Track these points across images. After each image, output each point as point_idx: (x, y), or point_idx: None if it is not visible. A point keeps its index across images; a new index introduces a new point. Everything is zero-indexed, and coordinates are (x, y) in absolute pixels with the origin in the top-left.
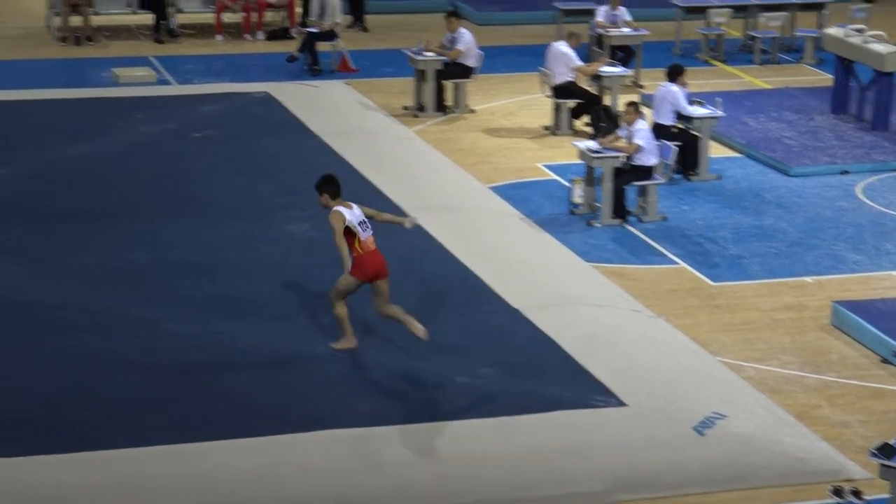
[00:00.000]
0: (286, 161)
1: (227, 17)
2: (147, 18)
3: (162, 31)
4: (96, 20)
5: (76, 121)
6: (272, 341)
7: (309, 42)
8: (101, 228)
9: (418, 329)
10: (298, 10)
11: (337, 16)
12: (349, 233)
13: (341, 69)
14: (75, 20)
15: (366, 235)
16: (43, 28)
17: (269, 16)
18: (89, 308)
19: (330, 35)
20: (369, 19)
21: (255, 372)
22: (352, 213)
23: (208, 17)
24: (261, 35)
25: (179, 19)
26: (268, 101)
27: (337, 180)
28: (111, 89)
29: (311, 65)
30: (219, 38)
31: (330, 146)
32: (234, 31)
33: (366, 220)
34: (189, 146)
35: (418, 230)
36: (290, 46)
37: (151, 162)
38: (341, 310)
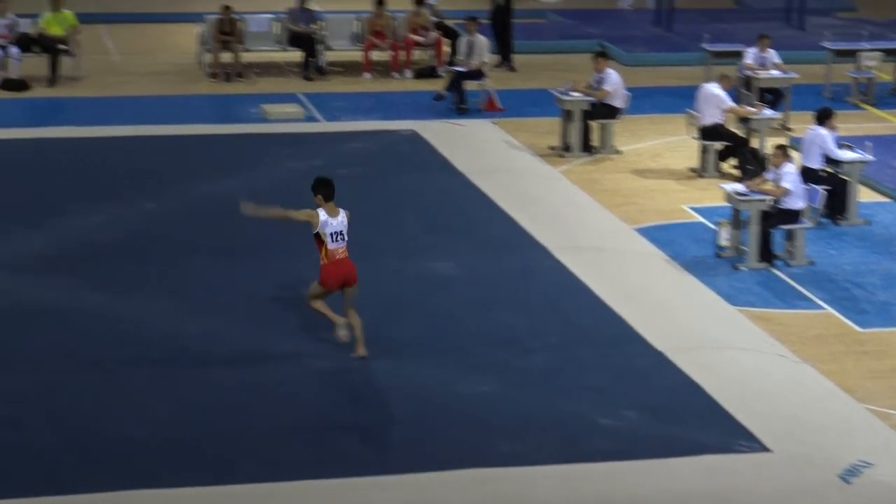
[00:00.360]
0: (432, 199)
1: (376, 56)
2: (296, 56)
3: (311, 69)
4: (246, 57)
5: (225, 156)
6: (413, 379)
7: (456, 81)
8: (247, 263)
9: (359, 351)
10: (446, 48)
11: (485, 55)
12: (318, 239)
13: (488, 108)
14: (226, 56)
15: (334, 245)
16: (194, 64)
17: (417, 54)
18: (234, 342)
19: (477, 74)
20: (517, 59)
21: (394, 409)
22: (331, 221)
23: (356, 55)
24: (408, 73)
25: (328, 57)
26: (414, 139)
27: (331, 183)
28: (260, 125)
29: (458, 103)
30: (367, 75)
31: (475, 185)
32: (382, 70)
33: (344, 232)
34: (336, 183)
35: (562, 269)
36: (438, 85)
37: (298, 198)
38: (317, 304)
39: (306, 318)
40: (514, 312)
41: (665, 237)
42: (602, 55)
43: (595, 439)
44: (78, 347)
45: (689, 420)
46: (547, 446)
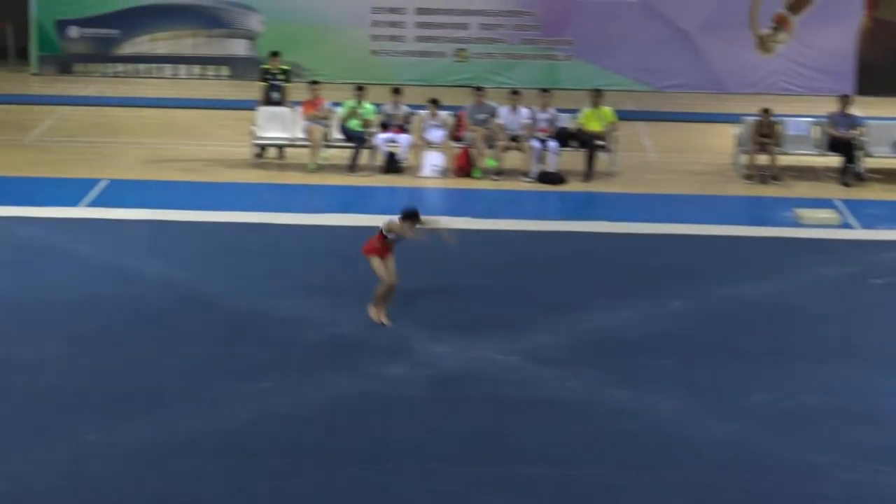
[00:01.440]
0: None
1: None
2: (833, 161)
3: (849, 175)
4: (783, 160)
5: (756, 258)
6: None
7: None
8: (770, 367)
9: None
10: None
11: None
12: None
13: None
14: (762, 159)
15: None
16: (729, 165)
17: None
18: (754, 448)
19: None
20: None
21: None
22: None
23: None
24: None
25: (867, 163)
26: None
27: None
28: (793, 229)
29: None
30: None
31: None
32: None
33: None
34: (868, 292)
35: None
36: None
37: (826, 304)
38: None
39: (827, 428)
40: None
41: None
42: None
43: None
44: (592, 443)
45: None
46: None
